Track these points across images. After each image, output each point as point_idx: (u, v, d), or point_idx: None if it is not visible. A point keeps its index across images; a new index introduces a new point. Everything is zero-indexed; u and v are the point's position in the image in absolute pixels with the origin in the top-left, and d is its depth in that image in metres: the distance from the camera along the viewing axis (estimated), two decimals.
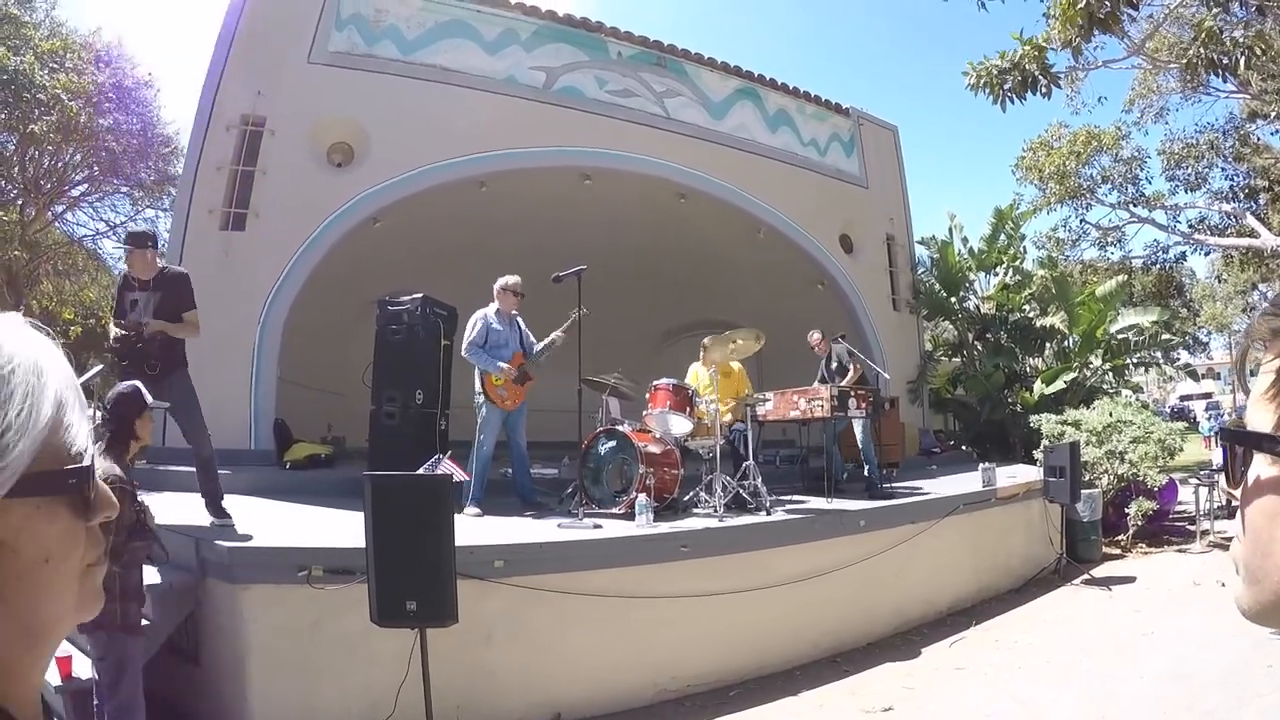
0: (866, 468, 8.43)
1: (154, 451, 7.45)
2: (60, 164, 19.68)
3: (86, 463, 0.66)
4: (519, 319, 7.24)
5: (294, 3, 9.57)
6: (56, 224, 21.52)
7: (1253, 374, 0.71)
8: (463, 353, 7.03)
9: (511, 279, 7.21)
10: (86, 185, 20.85)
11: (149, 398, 3.95)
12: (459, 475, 5.62)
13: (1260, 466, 0.67)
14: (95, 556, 0.68)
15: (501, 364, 6.86)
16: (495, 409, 6.90)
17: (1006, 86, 8.22)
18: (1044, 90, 8.28)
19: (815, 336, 9.26)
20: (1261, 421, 0.67)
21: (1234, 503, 0.72)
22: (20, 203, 19.51)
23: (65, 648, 4.14)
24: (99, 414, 3.96)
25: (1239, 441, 0.70)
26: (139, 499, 3.73)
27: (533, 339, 7.22)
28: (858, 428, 8.42)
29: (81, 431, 0.66)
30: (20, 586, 0.61)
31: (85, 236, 22.23)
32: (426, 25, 10.12)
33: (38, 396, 0.62)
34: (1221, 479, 0.74)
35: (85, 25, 20.80)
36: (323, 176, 9.45)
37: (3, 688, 0.61)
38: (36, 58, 16.58)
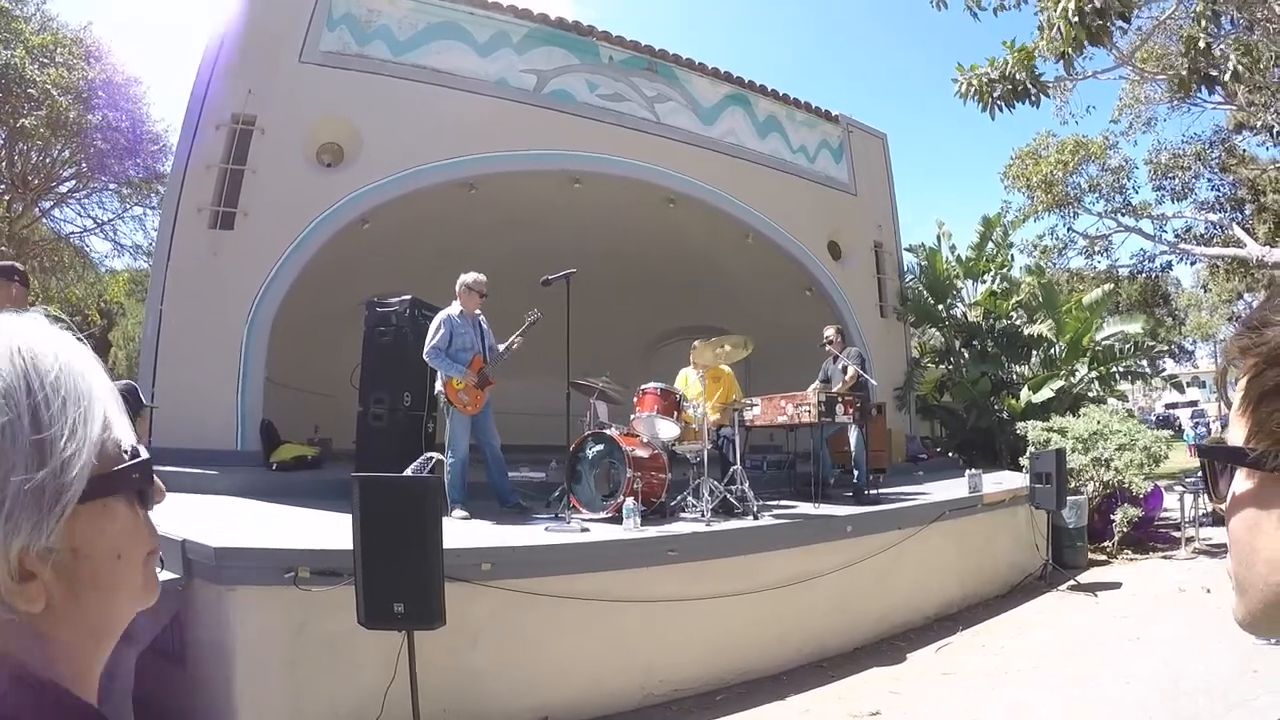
0: (856, 474, 8.43)
1: None
2: (48, 160, 19.62)
3: (144, 455, 0.67)
4: (481, 319, 7.09)
5: (286, 2, 9.54)
6: (44, 220, 21.43)
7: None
8: (424, 355, 6.84)
9: (474, 276, 7.04)
10: (74, 181, 20.80)
11: (144, 399, 3.95)
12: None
13: (1238, 481, 0.70)
14: (153, 544, 0.70)
15: (462, 368, 6.76)
16: (459, 415, 6.80)
17: (996, 95, 8.24)
18: (1033, 99, 8.31)
19: (831, 331, 9.05)
20: (1238, 437, 0.69)
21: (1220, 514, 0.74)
22: (7, 198, 19.42)
23: None
24: None
25: (1213, 457, 0.73)
26: None
27: (494, 341, 7.09)
28: (852, 435, 8.40)
29: (125, 425, 0.66)
30: (96, 587, 0.62)
31: (72, 233, 22.19)
32: (418, 26, 10.11)
33: (87, 402, 0.62)
34: (1207, 494, 0.77)
35: (76, 20, 20.76)
36: (312, 176, 9.41)
37: (74, 685, 0.62)
38: (27, 52, 16.52)
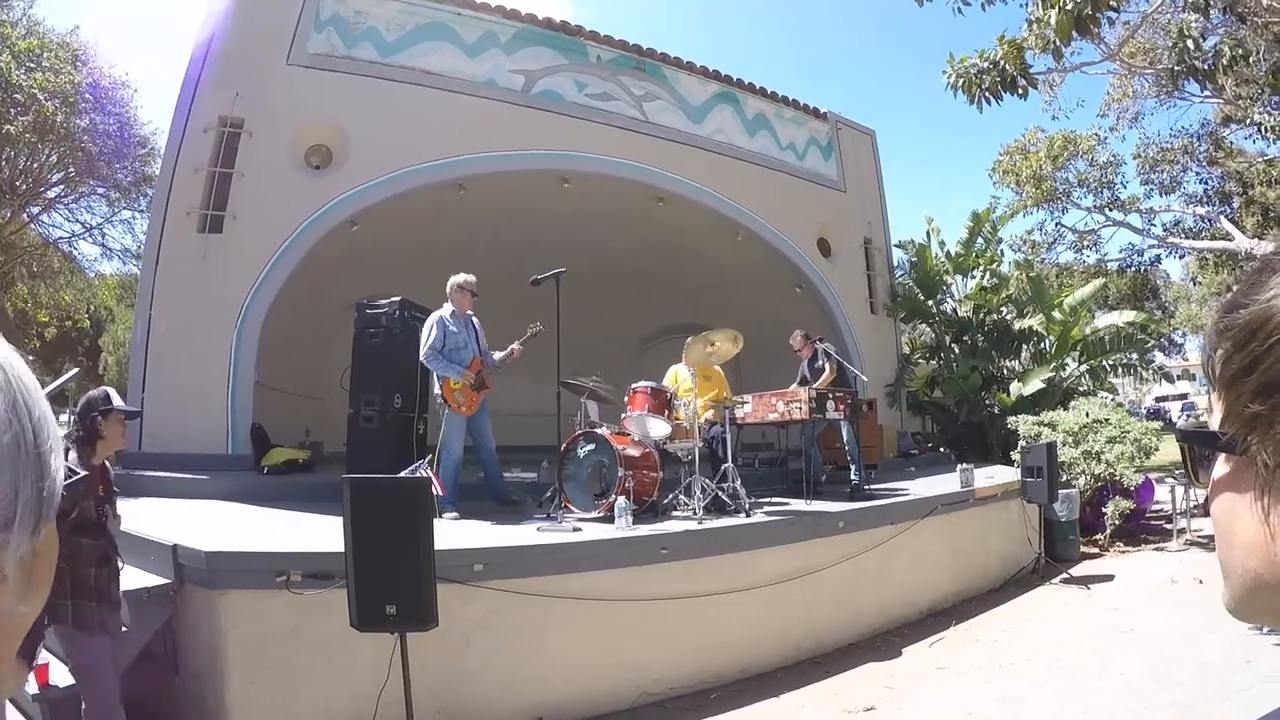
0: (853, 468, 8.42)
1: (128, 456, 7.39)
2: (36, 165, 19.47)
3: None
4: (474, 320, 7.18)
5: (273, 4, 9.50)
6: (32, 226, 21.30)
7: None
8: (421, 357, 6.94)
9: (467, 277, 7.14)
10: (62, 186, 20.64)
11: (116, 400, 3.89)
12: (435, 489, 5.62)
13: (1218, 465, 0.69)
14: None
15: (460, 368, 6.83)
16: (454, 415, 6.86)
17: (984, 86, 8.24)
18: (1021, 90, 8.30)
19: (798, 338, 9.20)
20: (1217, 421, 0.69)
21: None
22: None
23: (42, 655, 4.09)
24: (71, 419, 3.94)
25: (1188, 441, 0.73)
26: (107, 501, 3.71)
27: (486, 344, 7.18)
28: (843, 430, 8.41)
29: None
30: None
31: (61, 238, 22.04)
32: (406, 27, 10.07)
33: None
34: (1189, 479, 0.77)
35: (63, 24, 20.62)
36: (301, 179, 9.38)
37: None
38: (13, 56, 16.39)
